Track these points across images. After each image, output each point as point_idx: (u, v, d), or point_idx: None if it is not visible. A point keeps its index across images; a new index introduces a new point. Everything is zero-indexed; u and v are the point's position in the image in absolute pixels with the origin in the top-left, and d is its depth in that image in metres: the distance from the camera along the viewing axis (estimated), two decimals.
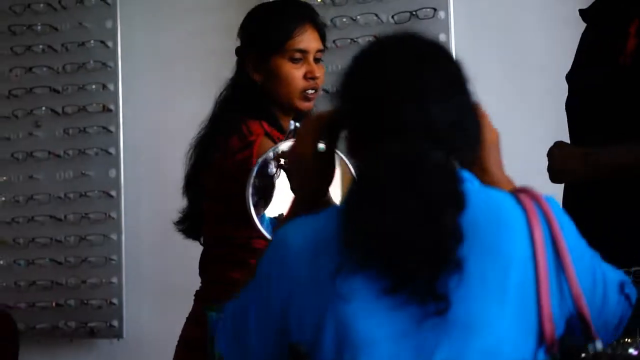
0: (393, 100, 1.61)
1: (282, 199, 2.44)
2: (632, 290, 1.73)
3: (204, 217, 2.80)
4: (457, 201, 1.55)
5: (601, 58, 2.44)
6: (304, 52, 2.75)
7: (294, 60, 2.75)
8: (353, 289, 1.54)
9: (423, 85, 1.61)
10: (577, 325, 1.60)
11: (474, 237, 1.55)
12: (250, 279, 1.70)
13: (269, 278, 1.64)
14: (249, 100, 2.75)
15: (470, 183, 1.63)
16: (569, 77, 2.57)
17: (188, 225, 2.86)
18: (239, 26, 2.84)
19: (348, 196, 1.59)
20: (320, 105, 2.76)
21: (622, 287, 1.70)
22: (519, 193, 1.63)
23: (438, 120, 1.59)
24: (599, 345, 1.58)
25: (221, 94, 2.82)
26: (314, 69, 2.76)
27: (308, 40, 2.77)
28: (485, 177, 1.74)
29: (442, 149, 1.58)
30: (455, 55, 1.74)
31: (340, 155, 1.94)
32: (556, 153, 2.44)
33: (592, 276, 1.66)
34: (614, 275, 1.71)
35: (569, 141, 2.53)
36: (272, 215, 2.47)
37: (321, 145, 1.80)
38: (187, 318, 2.82)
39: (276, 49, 2.75)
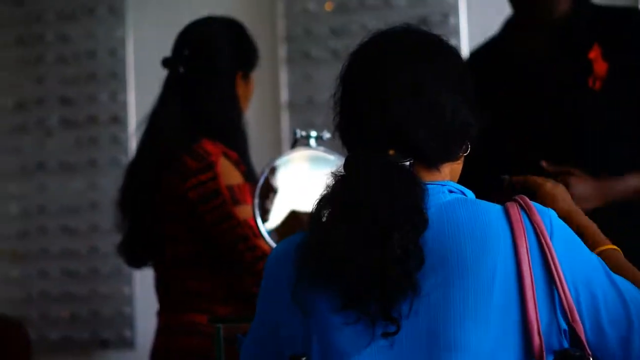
0: (362, 106, 1.54)
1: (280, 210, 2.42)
2: None
3: (159, 239, 2.75)
4: (414, 221, 1.46)
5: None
6: None
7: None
8: (311, 305, 1.48)
9: (398, 88, 1.53)
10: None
11: (456, 254, 1.47)
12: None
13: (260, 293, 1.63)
14: (201, 119, 2.72)
15: (458, 195, 1.55)
16: None
17: (132, 253, 2.82)
18: (194, 41, 2.89)
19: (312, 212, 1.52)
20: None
21: None
22: (509, 204, 1.53)
23: (409, 129, 1.51)
24: None
25: (163, 110, 2.80)
26: None
27: None
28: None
29: (409, 160, 1.50)
30: (459, 53, 1.67)
31: None
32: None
33: (602, 293, 1.51)
34: None
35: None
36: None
37: None
38: (178, 330, 2.78)
39: (252, 68, 2.79)
